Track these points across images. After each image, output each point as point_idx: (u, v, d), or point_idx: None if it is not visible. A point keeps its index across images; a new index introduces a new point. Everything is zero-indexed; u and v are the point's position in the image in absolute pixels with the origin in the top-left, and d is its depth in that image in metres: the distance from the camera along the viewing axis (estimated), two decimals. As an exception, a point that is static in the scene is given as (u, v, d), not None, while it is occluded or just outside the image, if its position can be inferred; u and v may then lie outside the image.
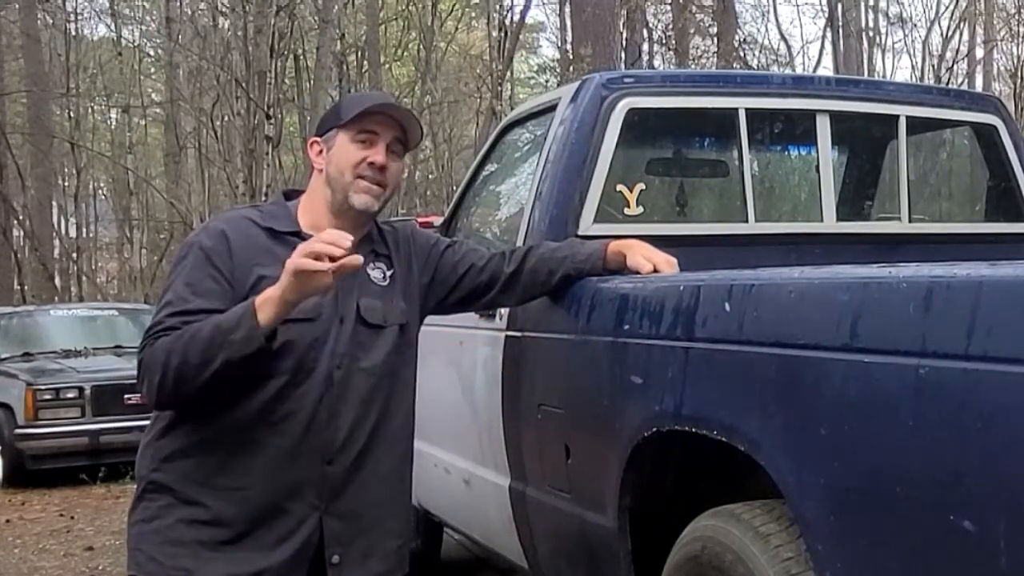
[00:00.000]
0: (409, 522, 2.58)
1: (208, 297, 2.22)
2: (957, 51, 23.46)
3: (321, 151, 2.40)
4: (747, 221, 3.31)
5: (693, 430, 2.10)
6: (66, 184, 24.90)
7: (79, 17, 23.90)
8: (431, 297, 2.57)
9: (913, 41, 29.38)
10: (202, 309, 2.20)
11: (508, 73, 18.56)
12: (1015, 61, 21.71)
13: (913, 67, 24.55)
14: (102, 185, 28.72)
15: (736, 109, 3.30)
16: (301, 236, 2.33)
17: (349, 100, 2.50)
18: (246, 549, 2.25)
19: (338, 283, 2.31)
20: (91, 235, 27.84)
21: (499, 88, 16.11)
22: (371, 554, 2.36)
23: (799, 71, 23.31)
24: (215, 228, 2.32)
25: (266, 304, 2.11)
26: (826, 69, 22.33)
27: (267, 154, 14.22)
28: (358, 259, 2.10)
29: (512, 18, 16.70)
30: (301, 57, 19.08)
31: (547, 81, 24.30)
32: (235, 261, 2.26)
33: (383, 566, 2.39)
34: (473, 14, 24.78)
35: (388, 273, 2.44)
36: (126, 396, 8.34)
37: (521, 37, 19.00)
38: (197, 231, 2.37)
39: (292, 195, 2.49)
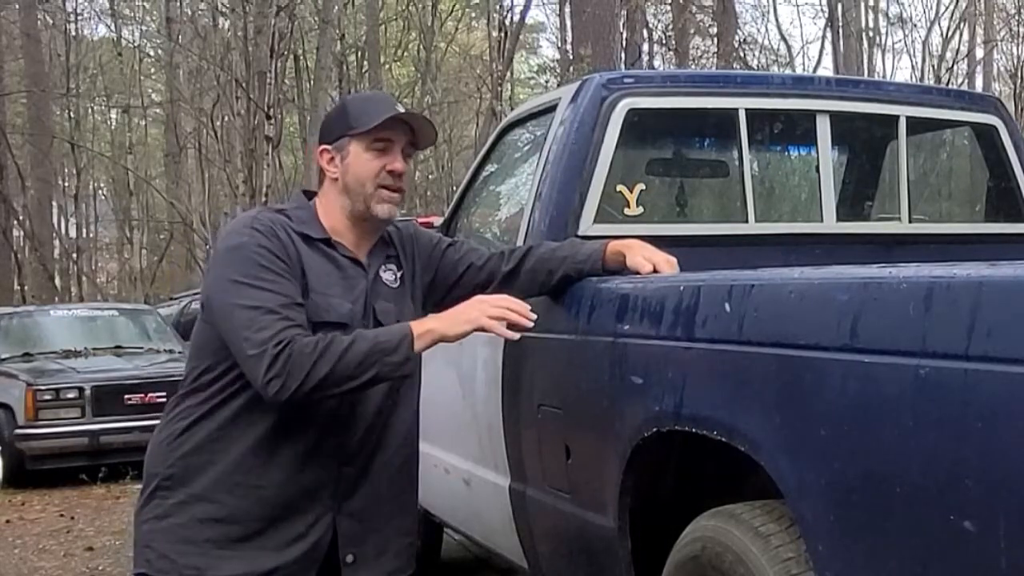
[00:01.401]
0: (417, 520, 2.59)
1: (295, 294, 2.22)
2: (957, 51, 23.49)
3: (333, 159, 2.38)
4: (747, 221, 3.31)
5: (693, 430, 2.10)
6: (66, 184, 24.93)
7: (79, 17, 23.94)
8: (431, 296, 2.58)
9: (913, 41, 29.36)
10: (298, 303, 2.21)
11: (508, 73, 18.56)
12: (1015, 61, 21.74)
13: (913, 67, 24.58)
14: (102, 185, 28.75)
15: (736, 109, 3.30)
16: (331, 244, 2.35)
17: (356, 105, 2.47)
18: (258, 548, 2.25)
19: (365, 289, 2.32)
20: (91, 235, 27.89)
21: (499, 88, 16.12)
22: (384, 552, 2.38)
23: (799, 71, 23.31)
24: (268, 229, 2.28)
25: (426, 336, 2.22)
26: (826, 69, 22.34)
27: (267, 154, 14.24)
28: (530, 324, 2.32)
29: (512, 18, 16.71)
30: (301, 57, 19.10)
31: (547, 81, 24.28)
32: (290, 258, 2.27)
33: (395, 563, 2.41)
34: (473, 14, 24.80)
35: (398, 275, 2.46)
36: (126, 396, 8.35)
37: (521, 37, 19.00)
38: (247, 231, 2.27)
39: (308, 196, 2.48)
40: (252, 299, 2.18)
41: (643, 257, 2.60)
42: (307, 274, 2.28)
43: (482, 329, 2.27)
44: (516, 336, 2.33)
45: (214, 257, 2.41)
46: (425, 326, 2.23)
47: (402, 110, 2.40)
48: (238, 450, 2.26)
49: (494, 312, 2.27)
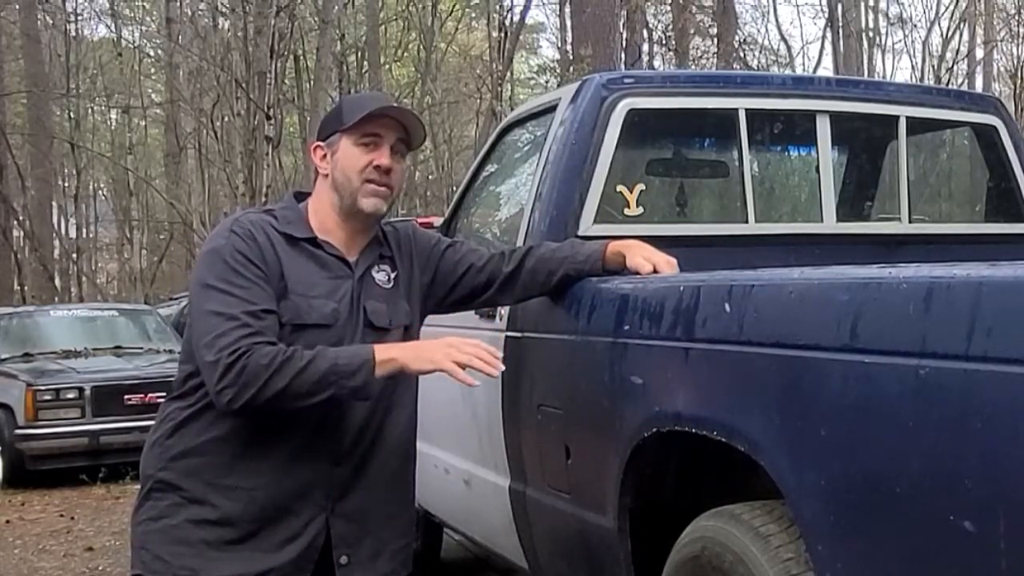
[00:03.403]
0: (413, 521, 2.58)
1: (263, 297, 2.22)
2: (957, 51, 23.51)
3: (325, 156, 2.40)
4: (747, 222, 3.31)
5: (693, 430, 2.10)
6: (66, 184, 24.92)
7: (79, 18, 23.93)
8: (431, 297, 2.57)
9: (913, 42, 29.43)
10: (267, 309, 2.21)
11: (508, 74, 18.56)
12: (1015, 62, 21.73)
13: (913, 67, 24.60)
14: (102, 186, 28.75)
15: (736, 110, 3.30)
16: (317, 243, 2.35)
17: (349, 103, 2.49)
18: (252, 549, 2.25)
19: (352, 289, 2.32)
20: (91, 236, 27.87)
21: (499, 89, 16.11)
22: (379, 554, 2.38)
23: (799, 71, 23.32)
24: (246, 232, 2.29)
25: (388, 364, 2.20)
26: (826, 69, 22.36)
27: (267, 155, 14.23)
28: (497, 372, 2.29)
29: (512, 18, 16.71)
30: (301, 58, 19.09)
31: (547, 82, 24.28)
32: (267, 262, 2.27)
33: (390, 565, 2.41)
34: (473, 14, 24.80)
35: (392, 275, 2.45)
36: (126, 396, 8.34)
37: (521, 38, 19.00)
38: (224, 233, 2.30)
39: (300, 197, 2.49)
40: (217, 304, 2.19)
41: (643, 257, 2.60)
42: (287, 276, 2.28)
43: (443, 370, 2.24)
44: (476, 383, 2.32)
45: (196, 260, 2.43)
46: (389, 354, 2.22)
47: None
48: (227, 452, 2.26)
49: (461, 358, 2.23)
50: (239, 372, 2.12)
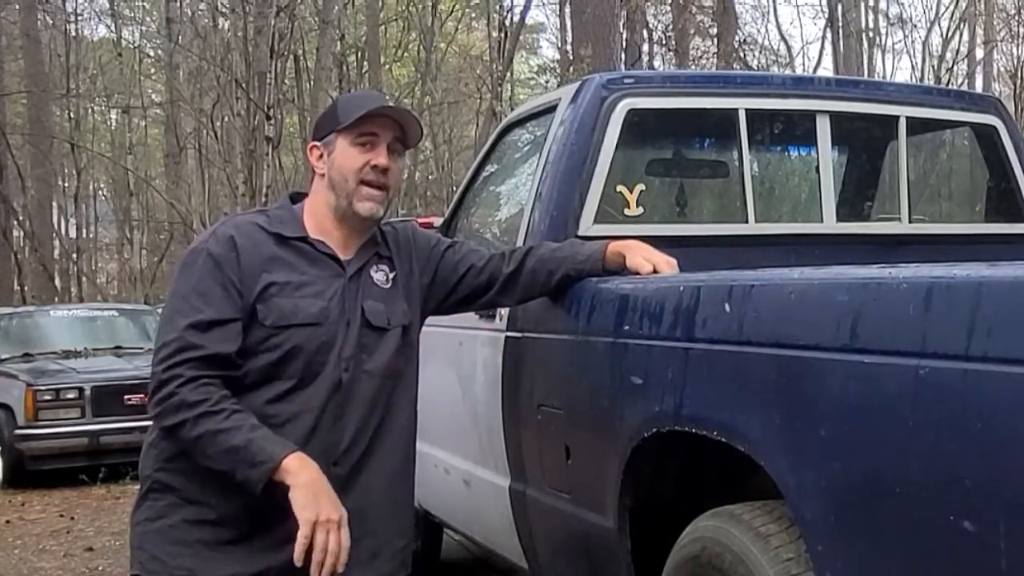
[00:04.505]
0: (413, 522, 2.58)
1: (219, 306, 2.22)
2: (957, 52, 23.52)
3: (321, 156, 2.40)
4: (747, 222, 3.31)
5: (693, 431, 2.10)
6: (66, 185, 24.93)
7: (79, 18, 23.93)
8: (431, 298, 2.57)
9: (913, 42, 29.44)
10: (215, 320, 2.21)
11: (508, 74, 18.56)
12: (1015, 62, 21.74)
13: (913, 68, 24.62)
14: (102, 186, 28.75)
15: (736, 110, 3.30)
16: (308, 242, 2.35)
17: (345, 102, 2.49)
18: (249, 549, 2.25)
19: (344, 288, 2.32)
20: (91, 236, 27.87)
21: (499, 89, 16.12)
22: (378, 554, 2.37)
23: (799, 72, 23.34)
24: (224, 234, 2.31)
25: (287, 476, 2.12)
26: (826, 70, 22.37)
27: (267, 155, 14.23)
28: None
29: (512, 19, 16.71)
30: (301, 58, 19.08)
31: (547, 82, 24.27)
32: (243, 268, 2.26)
33: (389, 566, 2.40)
34: (473, 15, 24.80)
35: (391, 275, 2.45)
36: (126, 397, 8.34)
37: (521, 38, 19.01)
38: (205, 237, 2.35)
39: (297, 198, 2.49)
40: (171, 310, 2.25)
41: (643, 258, 2.60)
42: (272, 276, 2.28)
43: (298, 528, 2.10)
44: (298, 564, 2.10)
45: None
46: (296, 476, 2.12)
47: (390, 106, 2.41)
48: None
49: (319, 536, 2.09)
50: (168, 397, 2.17)
